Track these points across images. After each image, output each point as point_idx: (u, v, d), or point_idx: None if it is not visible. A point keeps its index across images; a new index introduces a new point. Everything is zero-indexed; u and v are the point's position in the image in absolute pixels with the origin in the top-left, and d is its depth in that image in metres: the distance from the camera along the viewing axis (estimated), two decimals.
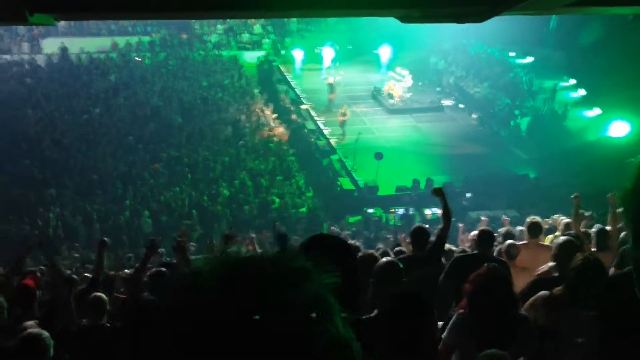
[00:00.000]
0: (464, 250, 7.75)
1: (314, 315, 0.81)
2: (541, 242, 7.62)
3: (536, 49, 30.58)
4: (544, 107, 27.16)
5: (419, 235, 6.29)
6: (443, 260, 6.42)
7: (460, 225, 14.15)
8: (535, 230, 7.38)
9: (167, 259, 10.14)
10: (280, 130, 25.08)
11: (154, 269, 6.41)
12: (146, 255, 6.36)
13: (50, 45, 30.89)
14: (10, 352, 3.70)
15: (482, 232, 6.36)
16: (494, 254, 6.87)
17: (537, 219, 7.63)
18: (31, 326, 4.33)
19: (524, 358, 3.76)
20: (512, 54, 31.88)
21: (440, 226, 6.49)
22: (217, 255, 0.87)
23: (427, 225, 7.25)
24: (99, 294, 5.86)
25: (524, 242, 7.45)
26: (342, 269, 2.03)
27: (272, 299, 0.80)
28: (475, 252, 6.34)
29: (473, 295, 3.89)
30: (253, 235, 12.37)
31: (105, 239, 7.19)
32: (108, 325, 5.29)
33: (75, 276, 7.45)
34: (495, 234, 7.09)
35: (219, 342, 0.77)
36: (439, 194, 6.46)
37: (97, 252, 6.92)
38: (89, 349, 4.75)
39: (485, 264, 4.23)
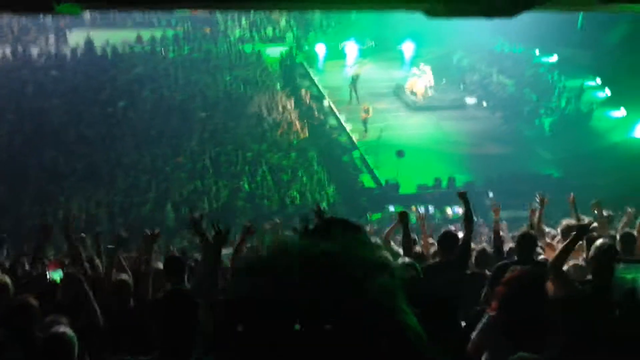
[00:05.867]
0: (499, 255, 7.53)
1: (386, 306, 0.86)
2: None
3: (561, 48, 30.16)
4: (568, 106, 26.80)
5: (448, 240, 6.22)
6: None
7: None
8: (570, 233, 7.18)
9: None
10: (301, 125, 25.04)
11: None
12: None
13: (76, 38, 31.21)
14: (34, 352, 3.62)
15: (522, 237, 6.06)
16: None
17: (573, 222, 7.38)
18: (57, 321, 4.23)
19: None
20: (537, 52, 31.50)
21: (464, 231, 6.54)
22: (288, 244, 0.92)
23: (453, 228, 7.19)
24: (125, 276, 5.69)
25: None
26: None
27: (350, 293, 0.84)
28: (516, 259, 6.02)
29: (506, 297, 3.85)
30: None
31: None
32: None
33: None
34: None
35: (294, 335, 0.80)
36: (463, 198, 6.47)
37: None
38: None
39: (520, 267, 4.18)
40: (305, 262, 0.87)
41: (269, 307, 0.81)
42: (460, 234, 9.92)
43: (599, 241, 5.27)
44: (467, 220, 6.44)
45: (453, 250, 6.12)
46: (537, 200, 8.22)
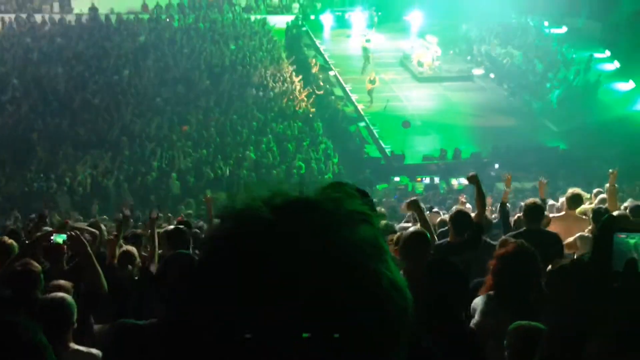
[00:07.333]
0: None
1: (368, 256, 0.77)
2: (579, 215, 7.17)
3: (571, 19, 29.80)
4: (576, 78, 26.52)
5: (460, 221, 5.89)
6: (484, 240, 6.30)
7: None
8: (575, 202, 7.09)
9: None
10: (307, 95, 24.86)
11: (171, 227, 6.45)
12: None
13: (80, 5, 30.94)
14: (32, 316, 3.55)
15: (528, 207, 6.03)
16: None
17: (579, 190, 7.33)
18: (59, 286, 4.26)
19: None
20: (545, 23, 31.12)
21: (476, 212, 6.44)
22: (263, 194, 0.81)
23: (468, 207, 7.08)
24: (130, 247, 5.91)
25: (562, 213, 7.30)
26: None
27: (331, 236, 0.76)
28: (524, 229, 5.97)
29: (499, 272, 3.85)
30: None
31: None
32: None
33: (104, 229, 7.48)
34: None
35: (272, 275, 0.73)
36: (474, 181, 6.33)
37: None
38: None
39: (513, 240, 4.18)
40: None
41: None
42: (469, 205, 9.92)
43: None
44: (480, 201, 6.30)
45: (466, 231, 5.83)
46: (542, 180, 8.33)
